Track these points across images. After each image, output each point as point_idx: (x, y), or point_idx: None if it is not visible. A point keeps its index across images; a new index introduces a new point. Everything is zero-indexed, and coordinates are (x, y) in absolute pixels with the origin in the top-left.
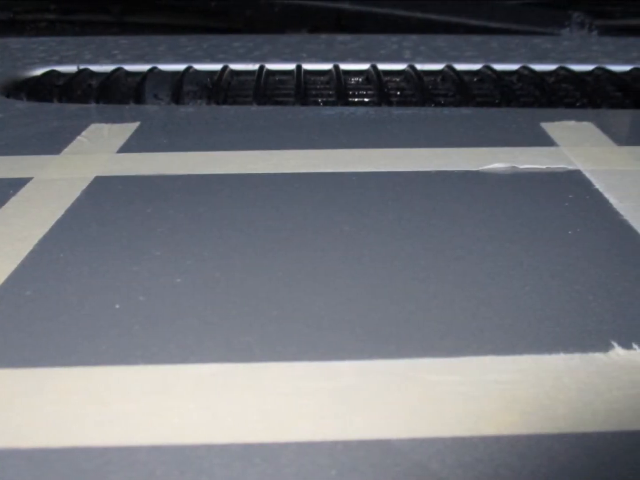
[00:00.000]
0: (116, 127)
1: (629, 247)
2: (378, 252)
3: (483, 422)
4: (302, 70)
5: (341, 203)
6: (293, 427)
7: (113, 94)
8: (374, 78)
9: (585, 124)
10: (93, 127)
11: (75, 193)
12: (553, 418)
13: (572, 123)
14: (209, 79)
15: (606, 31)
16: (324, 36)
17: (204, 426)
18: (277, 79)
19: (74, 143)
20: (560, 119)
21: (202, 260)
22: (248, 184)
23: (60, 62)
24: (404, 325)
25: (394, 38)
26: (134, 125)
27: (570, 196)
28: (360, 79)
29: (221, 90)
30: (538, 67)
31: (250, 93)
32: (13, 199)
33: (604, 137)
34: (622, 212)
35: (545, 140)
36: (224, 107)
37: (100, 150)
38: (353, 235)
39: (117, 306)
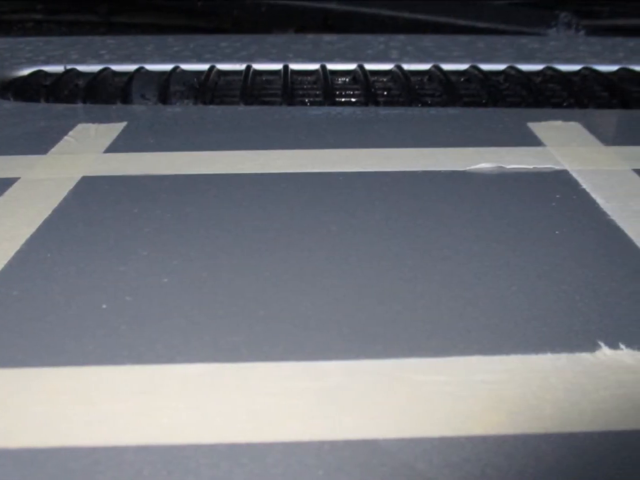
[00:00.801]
0: (103, 127)
1: (616, 247)
2: (365, 252)
3: (470, 422)
4: (289, 70)
5: (328, 203)
6: (280, 427)
7: (100, 94)
8: (361, 78)
9: (572, 124)
10: (80, 127)
11: (62, 193)
12: (540, 418)
13: (559, 123)
14: (195, 79)
15: (593, 31)
16: (310, 36)
17: (191, 426)
18: (264, 79)
19: (61, 143)
20: (547, 119)
21: (189, 260)
22: (235, 184)
23: (47, 62)
24: (391, 325)
25: (381, 38)
26: (121, 125)
27: (557, 196)
28: (347, 79)
29: (208, 90)
30: (525, 67)
31: (237, 93)
32: (0, 199)
33: (591, 137)
34: (608, 212)
35: (532, 140)
36: (211, 107)
37: (87, 150)
38: (340, 235)
39: (104, 306)
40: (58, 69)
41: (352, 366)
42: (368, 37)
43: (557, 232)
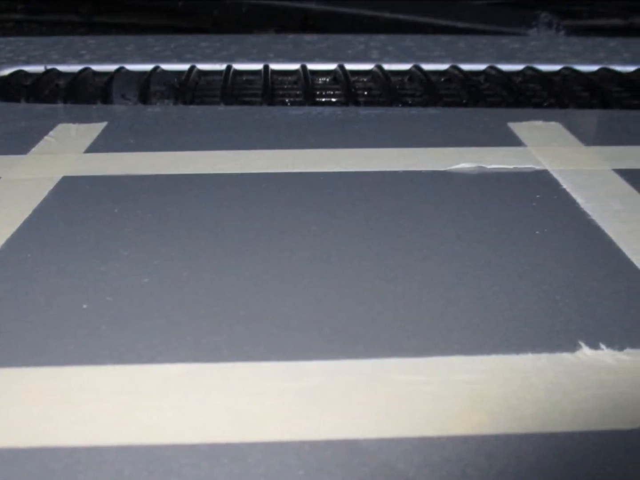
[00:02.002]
0: (83, 127)
1: (597, 247)
2: (346, 252)
3: (451, 422)
4: (270, 70)
5: (309, 203)
6: (261, 427)
7: (80, 94)
8: (341, 78)
9: (552, 124)
10: (60, 127)
11: (43, 193)
12: (521, 418)
13: (539, 123)
14: (176, 79)
15: (573, 31)
16: (291, 36)
17: (172, 426)
18: (244, 79)
19: (42, 143)
20: (527, 119)
21: (170, 260)
22: (216, 184)
23: (27, 62)
24: (371, 325)
25: (362, 38)
26: (102, 125)
27: (538, 196)
28: (327, 79)
29: (189, 90)
30: (505, 67)
31: (217, 93)
32: None
33: (571, 137)
34: (589, 212)
35: (513, 140)
36: (192, 107)
37: (68, 150)
38: (321, 236)
39: (85, 306)
40: (38, 69)
41: (333, 366)
42: (348, 37)
43: (537, 232)
